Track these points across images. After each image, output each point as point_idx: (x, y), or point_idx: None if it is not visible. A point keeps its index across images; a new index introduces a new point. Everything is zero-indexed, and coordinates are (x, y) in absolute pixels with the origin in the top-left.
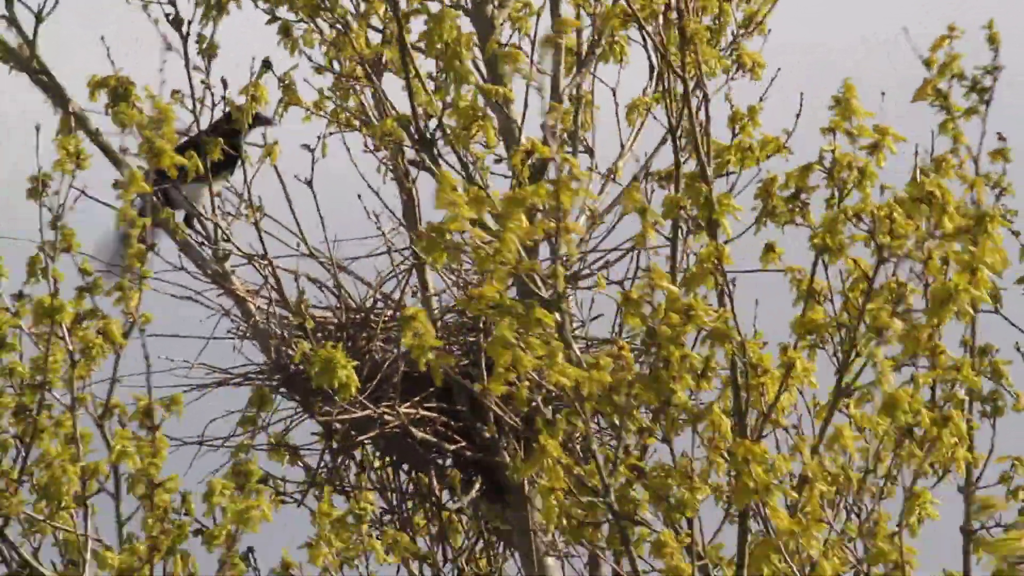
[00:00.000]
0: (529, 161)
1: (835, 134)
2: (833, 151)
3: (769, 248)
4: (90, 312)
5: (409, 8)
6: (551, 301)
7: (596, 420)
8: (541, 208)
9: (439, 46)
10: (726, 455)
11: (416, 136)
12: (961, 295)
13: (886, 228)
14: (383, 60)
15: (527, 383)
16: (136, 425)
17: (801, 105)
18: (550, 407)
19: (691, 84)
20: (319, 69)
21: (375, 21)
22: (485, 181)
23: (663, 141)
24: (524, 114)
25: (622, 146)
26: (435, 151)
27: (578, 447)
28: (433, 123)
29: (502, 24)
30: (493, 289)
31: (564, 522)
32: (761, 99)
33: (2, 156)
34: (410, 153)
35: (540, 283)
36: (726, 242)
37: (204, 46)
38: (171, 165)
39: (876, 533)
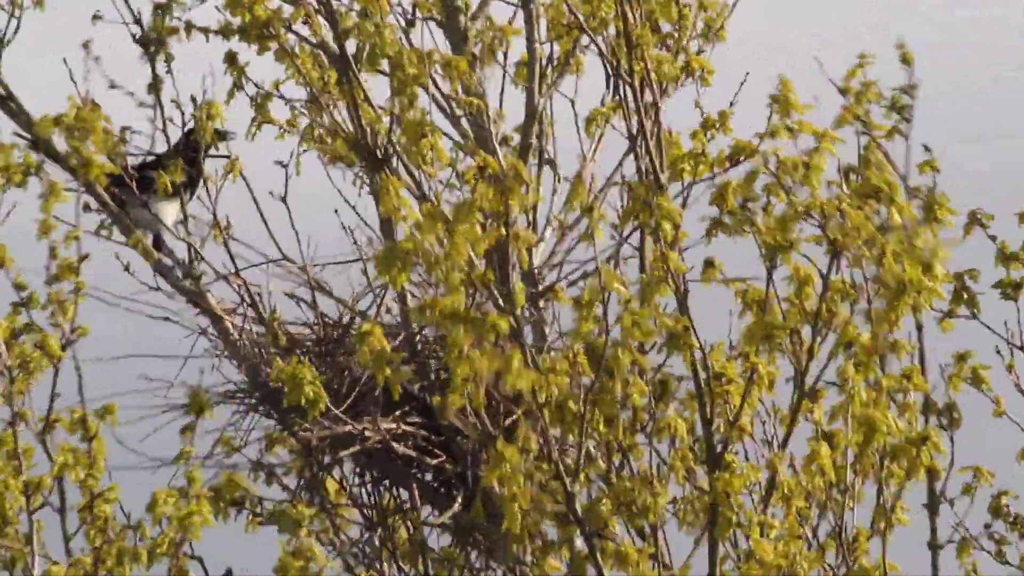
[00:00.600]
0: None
1: (775, 136)
2: (777, 153)
3: (709, 264)
4: (26, 326)
5: (347, 25)
6: (505, 307)
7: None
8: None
9: (383, 61)
10: (702, 487)
11: (367, 155)
12: (914, 287)
13: (837, 224)
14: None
15: (483, 392)
16: (77, 438)
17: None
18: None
19: (640, 91)
20: (267, 96)
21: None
22: (441, 197)
23: (629, 151)
24: (497, 129)
25: (584, 157)
26: (387, 169)
27: (539, 453)
28: (382, 141)
29: (476, 36)
30: (450, 299)
31: (536, 542)
32: (732, 104)
33: None
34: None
35: (495, 291)
36: (682, 251)
37: (152, 81)
38: (99, 174)
39: (856, 549)
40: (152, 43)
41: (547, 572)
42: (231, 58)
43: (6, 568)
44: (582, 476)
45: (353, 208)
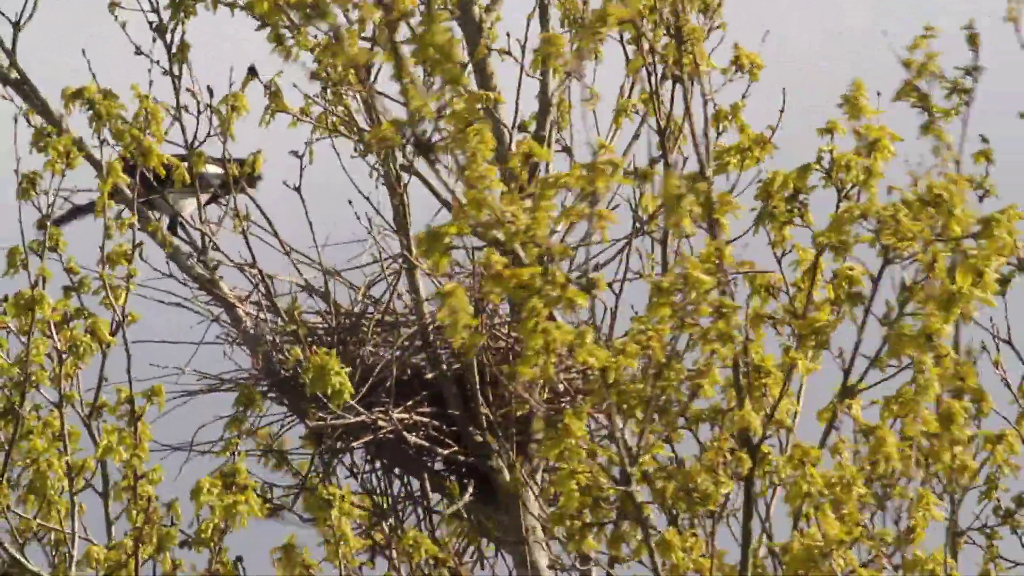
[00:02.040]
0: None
1: (833, 135)
2: (831, 151)
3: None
4: (77, 311)
5: (400, 13)
6: (584, 284)
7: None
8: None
9: (431, 49)
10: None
11: (412, 141)
12: (964, 297)
13: (892, 229)
14: (374, 67)
15: (553, 364)
16: (120, 419)
17: (784, 102)
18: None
19: (689, 84)
20: (314, 75)
21: (369, 25)
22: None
23: (635, 137)
24: (515, 119)
25: (601, 145)
26: (431, 155)
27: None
28: (429, 127)
29: (490, 28)
30: (528, 270)
31: (568, 524)
32: (744, 97)
33: None
34: (401, 159)
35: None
36: (728, 242)
37: (176, 51)
38: (159, 164)
39: (912, 540)
40: (166, 31)
41: (584, 550)
42: (278, 37)
43: (48, 549)
44: (642, 459)
45: (367, 198)
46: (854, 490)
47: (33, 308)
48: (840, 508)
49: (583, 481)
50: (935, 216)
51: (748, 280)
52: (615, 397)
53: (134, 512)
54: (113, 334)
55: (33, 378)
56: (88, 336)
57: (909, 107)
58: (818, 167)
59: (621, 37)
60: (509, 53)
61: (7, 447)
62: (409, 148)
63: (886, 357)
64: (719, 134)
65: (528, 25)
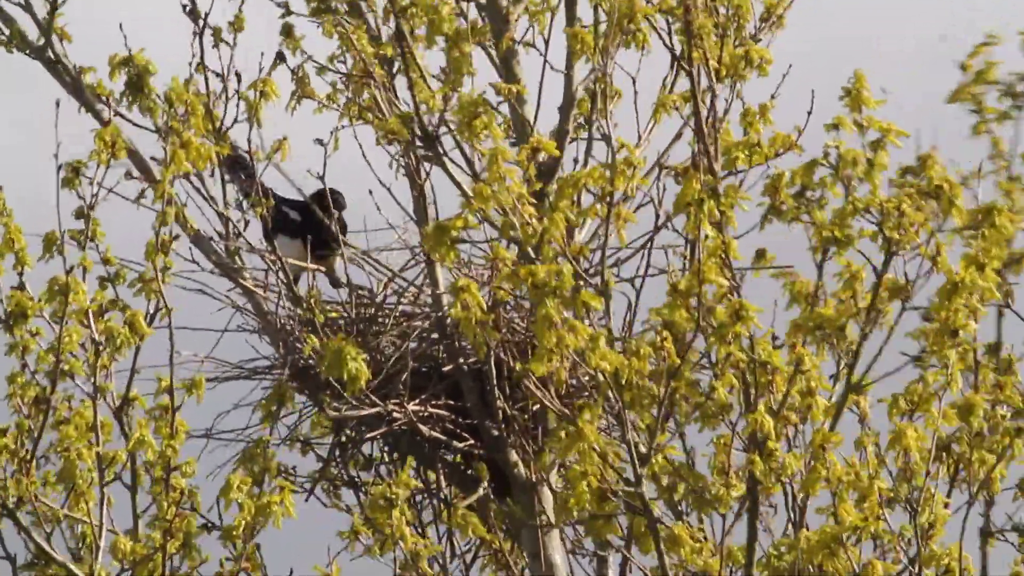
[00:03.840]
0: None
1: (838, 129)
2: (838, 147)
3: (760, 255)
4: (112, 302)
5: (405, 2)
6: (599, 286)
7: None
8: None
9: (439, 39)
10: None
11: (420, 133)
12: (967, 288)
13: (895, 222)
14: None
15: (566, 365)
16: (152, 411)
17: (812, 102)
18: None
19: (699, 79)
20: (321, 69)
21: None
22: (494, 175)
23: (678, 136)
24: (537, 112)
25: (639, 136)
26: (439, 147)
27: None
28: (436, 119)
29: (516, 20)
30: (544, 270)
31: (585, 511)
32: (773, 96)
33: None
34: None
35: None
36: (736, 238)
37: (221, 35)
38: (196, 157)
39: (931, 535)
40: (200, 15)
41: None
42: (288, 30)
43: (76, 540)
44: (655, 459)
45: (388, 189)
46: (875, 482)
47: (67, 295)
48: (859, 497)
49: (595, 483)
50: (937, 208)
51: (787, 288)
52: (627, 398)
53: (164, 504)
54: (149, 326)
55: (66, 367)
56: (126, 328)
57: (960, 107)
58: (824, 162)
59: (668, 27)
60: (533, 46)
61: (36, 435)
62: (417, 141)
63: (929, 354)
64: (745, 132)
65: (552, 17)
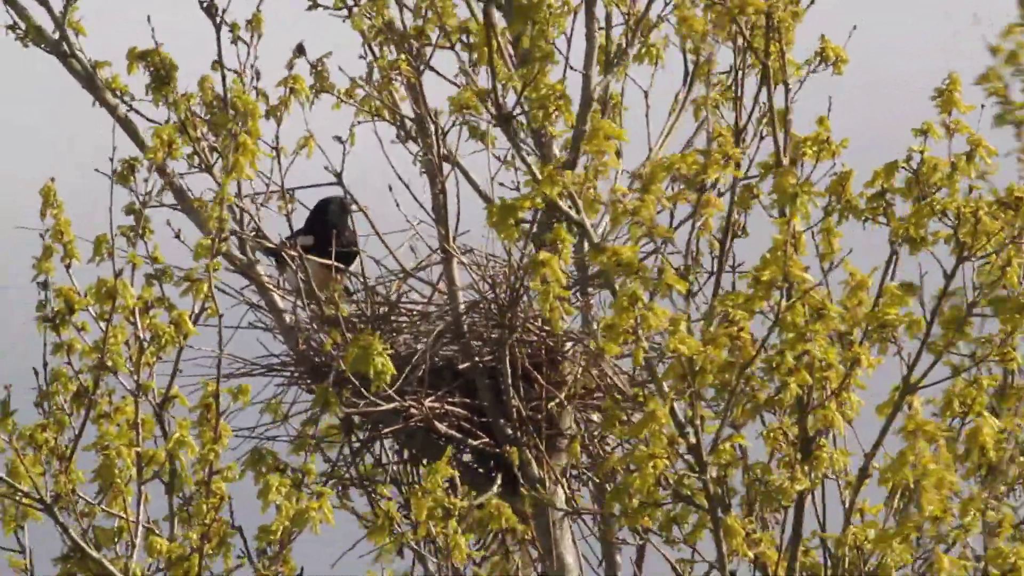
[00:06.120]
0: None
1: (927, 136)
2: (922, 152)
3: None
4: (158, 300)
5: None
6: (683, 270)
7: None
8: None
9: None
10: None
11: (495, 111)
12: None
13: (970, 227)
14: (427, 48)
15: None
16: (196, 414)
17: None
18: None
19: (771, 72)
20: (350, 89)
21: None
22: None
23: (687, 145)
24: None
25: (650, 149)
26: (512, 128)
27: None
28: (511, 99)
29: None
30: (629, 249)
31: (627, 502)
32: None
33: None
34: (443, 149)
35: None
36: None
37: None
38: (252, 160)
39: (999, 533)
40: (217, 11)
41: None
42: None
43: (112, 537)
44: (722, 448)
45: (407, 186)
46: (945, 479)
47: (114, 297)
48: (941, 486)
49: (660, 466)
50: (1014, 218)
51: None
52: (699, 385)
53: (204, 507)
54: (194, 325)
55: (110, 363)
56: (172, 327)
57: (987, 96)
58: (905, 165)
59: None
60: (553, 44)
61: (77, 431)
62: (491, 119)
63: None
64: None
65: (574, 17)
